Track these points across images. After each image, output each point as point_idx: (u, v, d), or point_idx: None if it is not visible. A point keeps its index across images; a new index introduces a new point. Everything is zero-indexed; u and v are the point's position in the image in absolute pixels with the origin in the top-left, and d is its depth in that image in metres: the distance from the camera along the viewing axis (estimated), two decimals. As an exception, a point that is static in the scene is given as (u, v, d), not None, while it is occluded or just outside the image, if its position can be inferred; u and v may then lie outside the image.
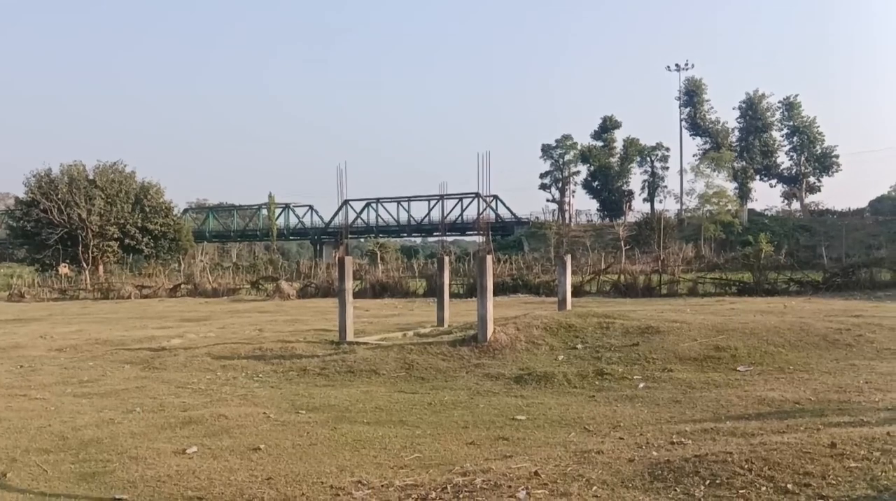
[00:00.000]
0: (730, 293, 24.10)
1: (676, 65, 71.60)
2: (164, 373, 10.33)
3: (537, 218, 70.88)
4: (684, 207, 65.27)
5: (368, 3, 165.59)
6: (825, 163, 70.76)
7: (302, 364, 10.41)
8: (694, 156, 69.92)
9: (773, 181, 72.89)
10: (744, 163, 69.54)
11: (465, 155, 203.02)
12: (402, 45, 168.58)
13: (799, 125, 70.39)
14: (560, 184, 76.36)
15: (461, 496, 4.64)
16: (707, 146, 70.78)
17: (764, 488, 4.41)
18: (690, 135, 73.06)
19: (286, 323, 16.66)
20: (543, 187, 77.15)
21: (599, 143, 76.24)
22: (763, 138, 70.80)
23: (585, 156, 75.21)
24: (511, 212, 72.03)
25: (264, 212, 76.11)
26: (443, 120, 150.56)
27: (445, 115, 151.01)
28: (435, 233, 72.49)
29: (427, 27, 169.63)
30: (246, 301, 28.39)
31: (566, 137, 76.03)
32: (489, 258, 11.77)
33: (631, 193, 75.24)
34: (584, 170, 76.04)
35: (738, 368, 9.17)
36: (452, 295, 19.90)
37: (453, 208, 70.57)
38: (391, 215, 75.65)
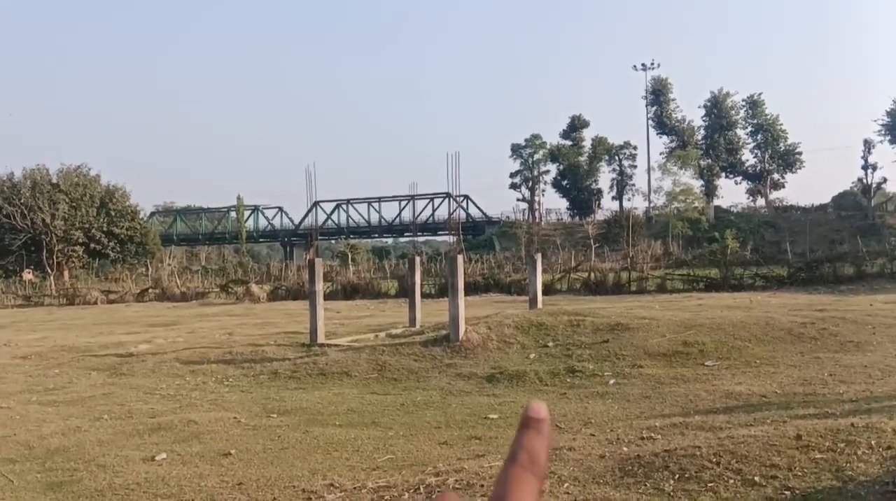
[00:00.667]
0: (697, 289, 24.44)
1: (643, 64, 72.26)
2: (132, 379, 10.19)
3: (508, 217, 71.05)
4: (652, 205, 65.87)
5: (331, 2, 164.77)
6: (789, 159, 71.94)
7: (273, 367, 10.33)
8: (661, 154, 70.55)
9: (739, 178, 73.92)
10: (709, 160, 70.43)
11: (436, 155, 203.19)
12: (369, 44, 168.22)
13: (763, 123, 71.48)
14: (530, 184, 76.68)
15: (434, 496, 4.65)
16: (674, 144, 71.57)
17: (732, 481, 4.48)
18: (657, 134, 73.85)
19: (256, 327, 16.52)
20: (514, 186, 77.45)
21: (568, 143, 76.71)
22: (728, 136, 71.77)
23: (554, 155, 75.62)
24: (482, 212, 72.17)
25: (233, 214, 75.19)
26: (412, 120, 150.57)
27: (414, 116, 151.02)
28: (406, 234, 72.26)
29: (394, 26, 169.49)
30: (215, 305, 28.08)
31: (535, 137, 76.39)
32: (460, 258, 11.79)
33: (600, 192, 75.80)
34: (553, 169, 76.44)
35: (706, 363, 9.32)
36: (424, 296, 19.90)
37: (424, 208, 70.46)
38: (362, 216, 75.27)
